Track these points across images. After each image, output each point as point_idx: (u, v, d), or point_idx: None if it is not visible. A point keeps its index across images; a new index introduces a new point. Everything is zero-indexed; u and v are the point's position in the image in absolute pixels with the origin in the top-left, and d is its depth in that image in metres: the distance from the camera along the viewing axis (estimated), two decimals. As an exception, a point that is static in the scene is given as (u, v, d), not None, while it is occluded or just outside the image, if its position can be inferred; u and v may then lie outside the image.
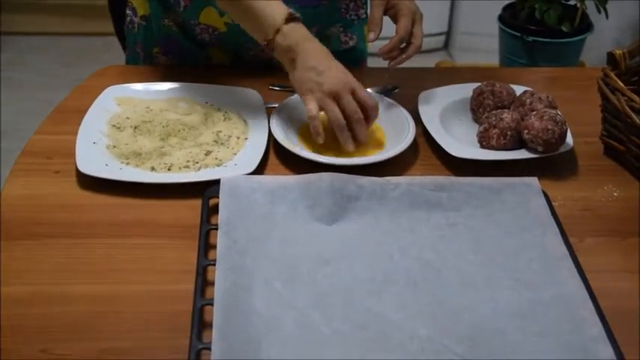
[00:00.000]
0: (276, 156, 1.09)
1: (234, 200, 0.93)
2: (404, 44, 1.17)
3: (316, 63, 1.05)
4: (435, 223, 0.95)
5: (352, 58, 1.35)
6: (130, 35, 1.36)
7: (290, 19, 1.06)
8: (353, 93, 1.05)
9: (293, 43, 1.05)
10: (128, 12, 1.34)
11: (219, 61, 1.32)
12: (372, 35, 1.16)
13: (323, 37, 1.31)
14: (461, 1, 3.05)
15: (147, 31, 1.32)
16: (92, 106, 1.14)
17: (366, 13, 1.36)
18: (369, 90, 1.20)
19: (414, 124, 1.12)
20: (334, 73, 1.05)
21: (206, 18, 1.25)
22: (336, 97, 1.04)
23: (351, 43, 1.36)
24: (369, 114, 1.07)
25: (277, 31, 1.05)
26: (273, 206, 0.94)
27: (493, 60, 2.63)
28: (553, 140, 1.04)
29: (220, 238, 0.87)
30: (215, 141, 1.09)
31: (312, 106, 1.04)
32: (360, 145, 1.10)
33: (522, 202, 0.97)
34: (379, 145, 1.11)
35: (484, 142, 1.09)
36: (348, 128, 1.05)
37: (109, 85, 1.19)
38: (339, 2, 1.30)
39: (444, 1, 3.10)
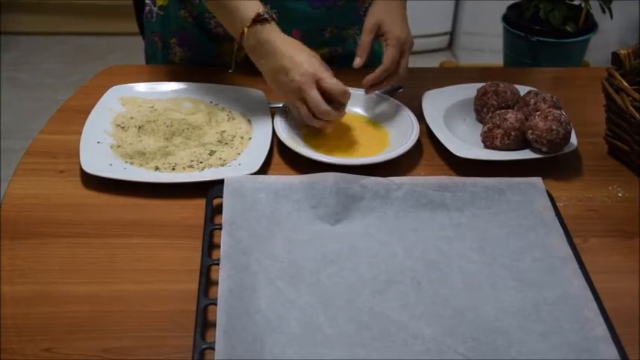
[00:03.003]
0: (280, 156, 1.09)
1: (238, 200, 0.93)
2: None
3: (282, 62, 1.05)
4: (439, 223, 0.95)
5: (370, 60, 1.34)
6: (148, 25, 1.37)
7: (257, 20, 1.06)
8: (319, 82, 1.05)
9: (257, 43, 1.07)
10: (147, 1, 1.35)
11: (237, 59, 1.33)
12: (357, 60, 1.14)
13: (338, 39, 1.31)
14: (465, 1, 3.05)
15: (164, 21, 1.33)
16: (96, 105, 1.14)
17: None
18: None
19: (417, 124, 1.12)
20: (298, 69, 1.05)
21: None
22: (302, 95, 1.05)
23: None
24: (338, 100, 1.06)
25: (242, 32, 1.07)
26: (277, 206, 0.94)
27: (497, 60, 2.63)
28: (557, 140, 1.04)
29: (224, 238, 0.87)
30: (219, 141, 1.10)
31: (296, 114, 1.08)
32: (364, 145, 1.10)
33: (526, 202, 0.97)
34: (383, 145, 1.11)
35: (488, 142, 1.09)
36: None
37: (113, 85, 1.20)
38: (355, 4, 1.30)
39: (448, 1, 3.10)
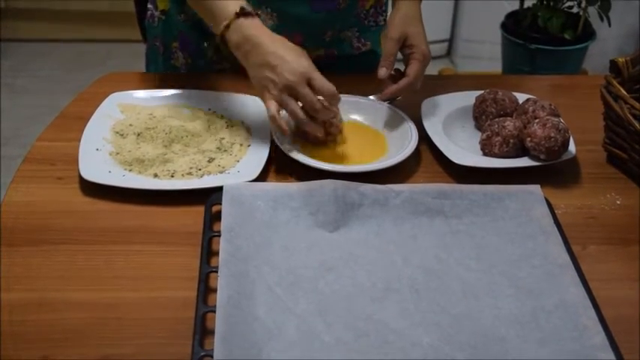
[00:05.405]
0: (279, 163, 1.09)
1: (237, 207, 0.93)
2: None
3: (269, 58, 1.02)
4: (437, 230, 0.95)
5: (366, 64, 1.33)
6: (150, 29, 1.38)
7: (241, 14, 1.05)
8: (310, 82, 1.02)
9: (242, 38, 1.04)
10: (149, 6, 1.36)
11: (234, 62, 1.32)
12: (383, 71, 1.13)
13: (336, 40, 1.31)
14: (464, 6, 3.06)
15: (166, 25, 1.33)
16: (95, 112, 1.15)
17: (385, 20, 1.35)
18: (371, 97, 1.20)
19: (416, 131, 1.12)
20: (288, 66, 1.01)
21: None
22: (292, 92, 1.02)
23: (363, 49, 1.35)
24: (328, 102, 1.04)
25: (227, 26, 1.05)
26: (276, 213, 0.94)
27: (496, 67, 2.64)
28: (556, 148, 1.04)
29: (223, 245, 0.87)
30: (218, 148, 1.10)
31: (270, 106, 1.03)
32: (363, 152, 1.10)
33: (525, 209, 0.97)
34: (382, 152, 1.11)
35: (486, 149, 1.09)
36: (312, 118, 1.04)
37: (112, 92, 1.20)
38: (356, 8, 1.30)
39: (446, 8, 3.11)
